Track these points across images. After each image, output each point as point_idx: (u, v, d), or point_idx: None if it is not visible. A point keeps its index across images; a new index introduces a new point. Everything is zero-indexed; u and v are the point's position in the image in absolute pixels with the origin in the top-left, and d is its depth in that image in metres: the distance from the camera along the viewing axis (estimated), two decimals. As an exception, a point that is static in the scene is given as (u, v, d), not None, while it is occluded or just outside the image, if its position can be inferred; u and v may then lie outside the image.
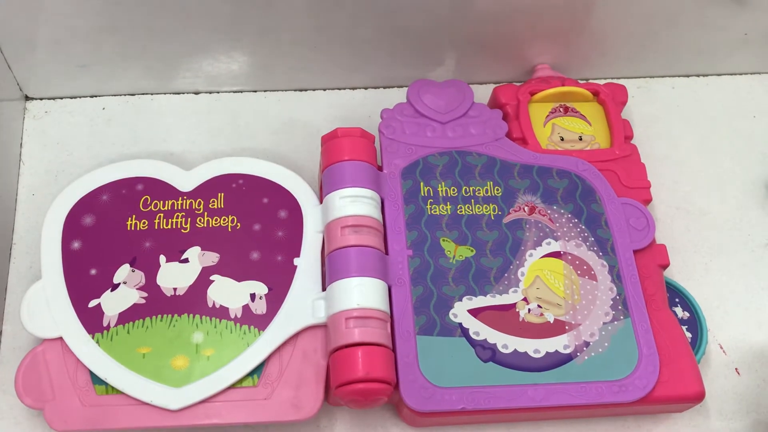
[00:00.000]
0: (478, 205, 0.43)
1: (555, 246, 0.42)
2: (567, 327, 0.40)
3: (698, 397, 0.40)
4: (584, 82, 0.50)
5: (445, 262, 0.41)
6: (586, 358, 0.39)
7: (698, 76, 0.54)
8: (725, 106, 0.53)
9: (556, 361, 0.39)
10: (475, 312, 0.40)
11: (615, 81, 0.52)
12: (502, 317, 0.40)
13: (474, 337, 0.40)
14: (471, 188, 0.44)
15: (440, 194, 0.43)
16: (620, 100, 0.48)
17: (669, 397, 0.40)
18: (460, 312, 0.40)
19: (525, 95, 0.48)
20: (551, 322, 0.40)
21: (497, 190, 0.44)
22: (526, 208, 0.43)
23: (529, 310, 0.41)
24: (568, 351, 0.40)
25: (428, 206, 0.43)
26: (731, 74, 0.54)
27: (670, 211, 0.49)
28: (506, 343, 0.40)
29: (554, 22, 0.49)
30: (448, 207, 0.43)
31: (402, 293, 0.40)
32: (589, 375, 0.39)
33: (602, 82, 0.51)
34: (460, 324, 0.40)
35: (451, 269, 0.41)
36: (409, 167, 0.44)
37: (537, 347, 0.40)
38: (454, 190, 0.43)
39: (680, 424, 0.43)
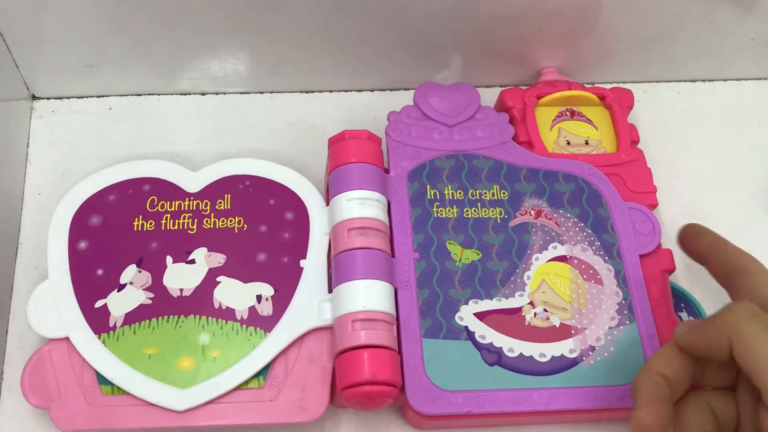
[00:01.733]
0: (484, 209, 0.43)
1: (561, 250, 0.42)
2: (573, 331, 0.40)
3: (703, 402, 0.40)
4: (590, 86, 0.50)
5: (452, 265, 0.41)
6: (591, 362, 0.40)
7: (704, 81, 0.54)
8: (731, 112, 0.53)
9: (562, 365, 0.39)
10: (481, 315, 0.40)
11: (621, 85, 0.52)
12: (509, 321, 0.40)
13: (480, 340, 0.40)
14: (477, 191, 0.44)
15: (447, 197, 0.43)
16: (626, 104, 0.49)
17: (674, 401, 0.40)
18: (466, 315, 0.40)
19: (531, 99, 0.48)
20: (557, 326, 0.40)
21: (503, 193, 0.44)
22: (532, 212, 0.43)
23: (535, 314, 0.41)
24: (574, 355, 0.40)
25: (435, 209, 0.43)
26: (737, 79, 0.54)
27: (676, 216, 0.49)
28: (512, 346, 0.40)
29: (561, 26, 0.49)
30: (455, 210, 0.43)
31: (408, 296, 0.40)
32: (595, 379, 0.39)
33: (608, 86, 0.51)
34: (466, 327, 0.40)
35: (458, 272, 0.41)
36: (415, 170, 0.44)
37: (543, 351, 0.40)
38: (460, 193, 0.43)
39: (684, 428, 0.43)
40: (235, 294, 0.41)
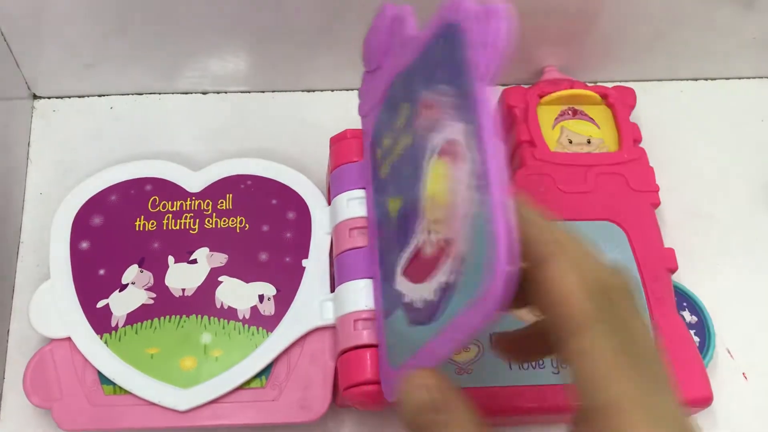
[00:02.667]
0: (398, 144, 0.35)
1: (438, 141, 0.31)
2: (447, 254, 0.29)
3: (706, 401, 0.40)
4: (593, 84, 0.49)
5: (390, 225, 0.35)
6: (462, 278, 0.27)
7: (706, 79, 0.54)
8: (733, 110, 0.53)
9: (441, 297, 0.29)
10: (404, 270, 0.33)
11: (623, 84, 0.51)
12: (416, 265, 0.32)
13: (405, 300, 0.33)
14: (395, 126, 0.35)
15: (383, 154, 0.38)
16: (629, 103, 0.48)
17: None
18: (399, 279, 0.34)
19: (533, 98, 0.48)
20: (437, 243, 0.30)
21: (407, 108, 0.34)
22: (423, 112, 0.32)
23: (428, 242, 0.31)
24: (452, 278, 0.28)
25: (381, 171, 0.38)
26: (739, 78, 0.54)
27: (678, 215, 0.48)
28: (415, 296, 0.32)
29: (563, 25, 0.49)
30: (388, 161, 0.36)
31: (376, 285, 0.37)
32: (459, 302, 0.27)
33: (610, 85, 0.51)
34: (400, 291, 0.34)
35: (393, 231, 0.35)
36: (373, 137, 0.39)
37: (425, 290, 0.30)
38: (389, 140, 0.36)
39: (687, 428, 0.43)
40: (237, 294, 0.41)
